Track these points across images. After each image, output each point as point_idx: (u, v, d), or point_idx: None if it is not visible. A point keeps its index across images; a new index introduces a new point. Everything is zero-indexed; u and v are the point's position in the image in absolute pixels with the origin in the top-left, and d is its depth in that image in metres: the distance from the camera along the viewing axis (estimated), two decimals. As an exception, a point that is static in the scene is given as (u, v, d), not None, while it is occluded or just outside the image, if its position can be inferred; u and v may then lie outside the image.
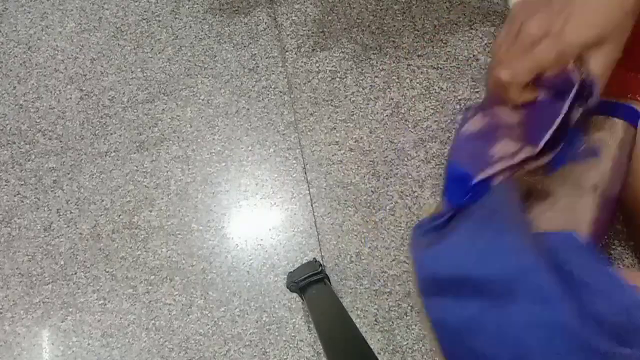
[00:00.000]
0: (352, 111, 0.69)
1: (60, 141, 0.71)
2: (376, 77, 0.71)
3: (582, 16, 0.34)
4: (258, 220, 0.65)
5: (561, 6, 0.35)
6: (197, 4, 0.78)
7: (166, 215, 0.66)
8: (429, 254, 0.36)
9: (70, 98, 0.74)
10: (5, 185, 0.69)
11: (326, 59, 0.73)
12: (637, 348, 0.28)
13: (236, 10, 0.77)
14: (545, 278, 0.30)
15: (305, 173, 0.67)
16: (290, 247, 0.63)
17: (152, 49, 0.76)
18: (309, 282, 0.54)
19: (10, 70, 0.76)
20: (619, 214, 0.61)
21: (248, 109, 0.71)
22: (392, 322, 0.59)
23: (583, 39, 0.34)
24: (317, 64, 0.72)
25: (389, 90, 0.70)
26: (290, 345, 0.59)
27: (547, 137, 0.36)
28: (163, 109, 0.72)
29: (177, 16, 0.78)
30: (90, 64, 0.76)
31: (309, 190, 0.66)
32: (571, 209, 0.41)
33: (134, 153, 0.70)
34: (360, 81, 0.71)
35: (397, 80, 0.70)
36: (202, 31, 0.76)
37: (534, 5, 0.37)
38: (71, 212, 0.67)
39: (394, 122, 0.68)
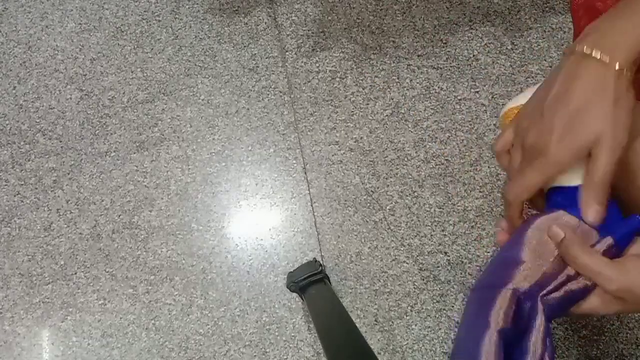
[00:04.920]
0: (352, 111, 0.69)
1: (60, 141, 0.71)
2: (376, 77, 0.71)
3: (563, 135, 0.35)
4: (258, 220, 0.65)
5: (548, 119, 0.36)
6: (197, 4, 0.78)
7: (166, 215, 0.66)
8: None
9: (70, 98, 0.74)
10: (5, 185, 0.69)
11: (326, 59, 0.73)
12: None
13: (236, 10, 0.77)
14: None
15: (305, 173, 0.67)
16: (290, 247, 0.63)
17: (152, 49, 0.76)
18: (309, 282, 0.54)
19: (10, 70, 0.76)
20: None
21: (248, 109, 0.71)
22: (392, 322, 0.59)
23: (567, 157, 0.35)
24: (317, 64, 0.72)
25: (389, 90, 0.70)
26: (290, 345, 0.59)
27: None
28: (163, 109, 0.72)
29: (177, 16, 0.78)
30: (90, 64, 0.76)
31: (309, 190, 0.66)
32: None
33: (134, 153, 0.70)
34: (360, 81, 0.71)
35: (397, 80, 0.70)
36: (202, 31, 0.76)
37: (526, 114, 0.38)
38: (71, 212, 0.67)
39: (394, 122, 0.68)
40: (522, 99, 0.48)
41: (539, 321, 0.34)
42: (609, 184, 0.35)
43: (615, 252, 0.35)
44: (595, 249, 0.35)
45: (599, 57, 0.34)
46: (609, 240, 0.35)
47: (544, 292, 0.35)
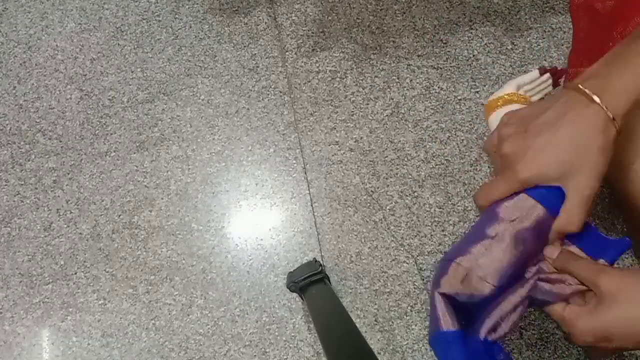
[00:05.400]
0: (352, 111, 0.69)
1: (60, 141, 0.71)
2: (376, 77, 0.71)
3: (537, 157, 0.37)
4: (258, 220, 0.65)
5: (530, 137, 0.37)
6: (197, 4, 0.78)
7: (166, 215, 0.66)
8: None
9: (70, 98, 0.74)
10: (5, 185, 0.69)
11: (326, 59, 0.73)
12: None
13: (236, 10, 0.77)
14: None
15: (305, 173, 0.67)
16: (290, 247, 0.63)
17: (152, 49, 0.76)
18: (309, 282, 0.54)
19: (10, 70, 0.76)
20: (620, 213, 0.61)
21: (248, 109, 0.71)
22: (392, 322, 0.59)
23: (531, 178, 0.37)
24: (317, 64, 0.72)
25: (389, 90, 0.70)
26: (290, 345, 0.59)
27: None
28: (163, 109, 0.72)
29: (177, 16, 0.78)
30: (90, 64, 0.76)
31: (309, 190, 0.66)
32: None
33: (134, 153, 0.70)
34: (360, 81, 0.71)
35: (397, 80, 0.70)
36: (202, 31, 0.76)
37: (513, 123, 0.40)
38: (71, 212, 0.67)
39: (394, 122, 0.68)
40: (503, 91, 0.49)
41: (522, 291, 0.37)
42: (582, 222, 0.37)
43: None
44: None
45: (597, 101, 0.36)
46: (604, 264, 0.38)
47: (543, 276, 0.38)
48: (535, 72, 0.50)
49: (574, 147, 0.36)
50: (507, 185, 0.38)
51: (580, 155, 0.36)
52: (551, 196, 0.38)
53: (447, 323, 0.37)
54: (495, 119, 0.48)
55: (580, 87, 0.37)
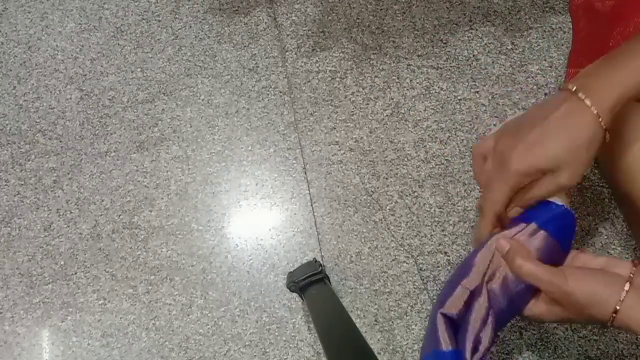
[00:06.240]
0: (352, 111, 0.69)
1: (60, 141, 0.71)
2: (376, 77, 0.71)
3: (529, 150, 0.39)
4: (258, 220, 0.65)
5: (523, 132, 0.40)
6: (197, 4, 0.78)
7: (166, 215, 0.66)
8: None
9: (70, 98, 0.74)
10: (5, 185, 0.69)
11: (326, 59, 0.73)
12: None
13: (236, 10, 0.77)
14: None
15: (305, 173, 0.67)
16: (290, 247, 0.63)
17: (152, 49, 0.76)
18: (309, 282, 0.54)
19: (10, 70, 0.76)
20: (620, 212, 0.61)
21: (248, 109, 0.71)
22: (392, 322, 0.59)
23: (524, 168, 0.39)
24: (317, 64, 0.73)
25: (389, 90, 0.70)
26: (290, 345, 0.59)
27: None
28: (163, 109, 0.72)
29: (177, 16, 0.78)
30: (90, 64, 0.76)
31: (309, 190, 0.66)
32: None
33: (134, 153, 0.70)
34: (360, 81, 0.71)
35: (397, 80, 0.71)
36: (202, 31, 0.76)
37: (508, 127, 0.42)
38: (71, 212, 0.67)
39: (394, 122, 0.68)
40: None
41: (481, 301, 0.39)
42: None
43: (550, 245, 0.40)
44: (531, 249, 0.40)
45: (583, 98, 0.38)
46: (533, 226, 0.40)
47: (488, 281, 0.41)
48: None
49: (564, 142, 0.38)
50: (504, 181, 0.40)
51: (569, 150, 0.38)
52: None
53: (447, 343, 0.39)
54: None
55: (569, 86, 0.39)
